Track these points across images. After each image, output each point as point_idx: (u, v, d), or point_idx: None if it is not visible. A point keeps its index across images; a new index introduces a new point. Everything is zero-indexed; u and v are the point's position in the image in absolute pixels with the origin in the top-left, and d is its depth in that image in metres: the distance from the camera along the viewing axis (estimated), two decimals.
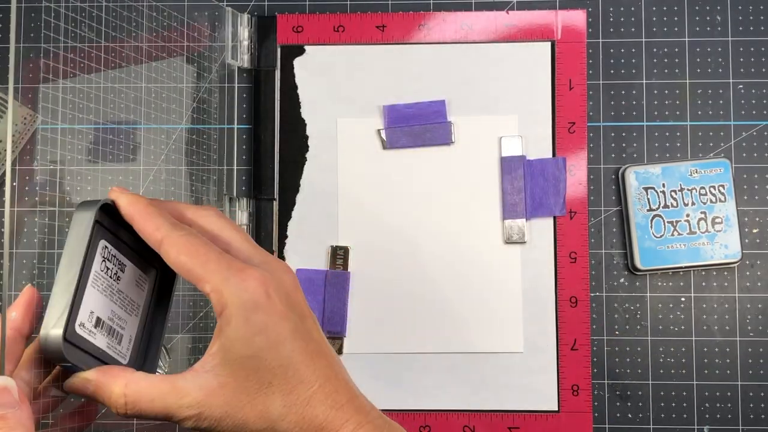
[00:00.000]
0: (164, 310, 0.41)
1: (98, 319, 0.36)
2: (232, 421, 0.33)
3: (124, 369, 0.35)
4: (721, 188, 0.54)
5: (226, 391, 0.33)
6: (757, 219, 0.55)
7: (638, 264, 0.54)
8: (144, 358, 0.40)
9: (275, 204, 0.56)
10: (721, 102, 0.56)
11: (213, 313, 0.54)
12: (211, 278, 0.34)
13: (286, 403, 0.33)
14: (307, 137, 0.56)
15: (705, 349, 0.54)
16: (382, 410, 0.41)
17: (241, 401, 0.33)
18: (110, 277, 0.37)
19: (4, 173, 0.55)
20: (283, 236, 0.55)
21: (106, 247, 0.37)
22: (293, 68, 0.56)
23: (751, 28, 0.56)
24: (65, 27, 0.50)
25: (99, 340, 0.36)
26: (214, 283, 0.33)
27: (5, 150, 0.55)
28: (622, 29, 0.56)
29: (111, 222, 0.37)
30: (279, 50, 0.56)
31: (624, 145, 0.56)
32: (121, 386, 0.34)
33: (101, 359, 0.36)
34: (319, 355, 0.35)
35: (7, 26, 0.57)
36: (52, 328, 0.33)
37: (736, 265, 0.54)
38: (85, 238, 0.35)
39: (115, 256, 0.37)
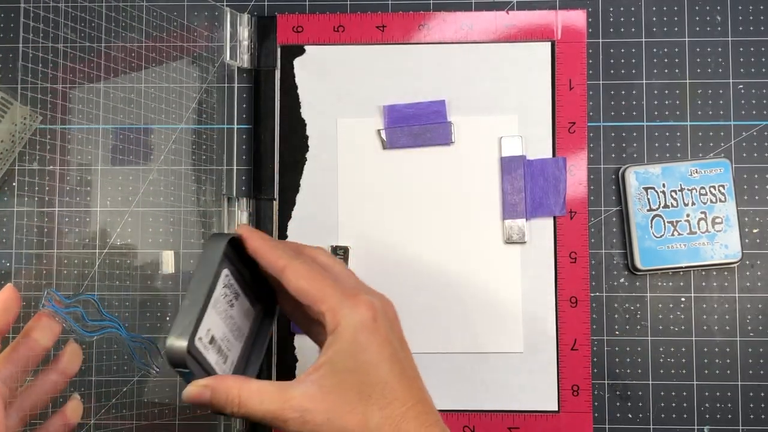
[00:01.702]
0: (262, 342, 0.45)
1: (213, 337, 0.40)
2: (334, 426, 0.37)
3: (235, 376, 0.40)
4: (721, 188, 0.54)
5: (330, 398, 0.37)
6: (757, 219, 0.55)
7: (638, 264, 0.54)
8: None
9: (275, 204, 0.56)
10: (721, 102, 0.56)
11: None
12: (327, 300, 0.38)
13: (383, 415, 0.37)
14: (307, 137, 0.56)
15: (705, 349, 0.54)
16: None
17: (343, 409, 0.37)
18: (227, 303, 0.41)
19: (6, 173, 0.55)
20: (283, 236, 0.55)
21: (227, 275, 0.41)
22: (293, 68, 0.56)
23: (751, 28, 0.56)
24: (65, 28, 0.50)
25: (210, 356, 0.40)
26: (330, 305, 0.38)
27: (6, 150, 0.55)
28: (622, 29, 0.56)
29: (234, 255, 0.41)
30: (279, 50, 0.56)
31: (624, 145, 0.56)
32: (237, 388, 0.38)
33: (208, 372, 0.40)
34: (413, 379, 0.39)
35: (8, 27, 0.57)
36: (178, 338, 0.38)
37: (736, 265, 0.54)
38: (214, 265, 0.40)
39: (233, 285, 0.42)
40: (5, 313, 0.36)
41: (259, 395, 0.37)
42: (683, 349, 0.54)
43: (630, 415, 0.54)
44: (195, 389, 0.38)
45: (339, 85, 0.56)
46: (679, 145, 0.56)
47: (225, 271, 0.41)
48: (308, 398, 0.37)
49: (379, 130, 0.56)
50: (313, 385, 0.37)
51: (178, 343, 0.38)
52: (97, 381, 0.52)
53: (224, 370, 0.42)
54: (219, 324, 0.41)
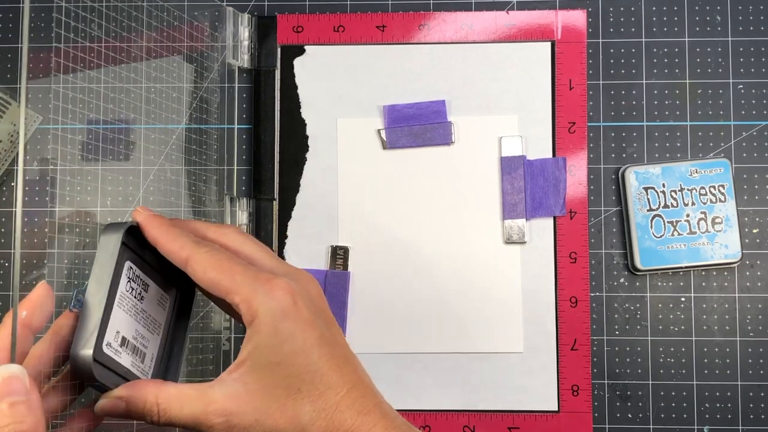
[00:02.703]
0: (183, 328, 0.42)
1: (123, 339, 0.37)
2: (263, 428, 0.34)
3: (151, 381, 0.36)
4: (721, 188, 0.54)
5: (256, 397, 0.34)
6: (757, 219, 0.55)
7: (638, 264, 0.54)
8: (164, 376, 0.41)
9: (275, 204, 0.56)
10: (721, 102, 0.56)
11: (213, 312, 0.54)
12: (239, 290, 0.34)
13: (315, 408, 0.34)
14: (307, 137, 0.56)
15: (705, 349, 0.54)
16: None
17: (271, 407, 0.34)
18: (135, 297, 0.38)
19: (4, 173, 0.55)
20: (283, 236, 0.55)
21: (131, 267, 0.37)
22: (293, 68, 0.56)
23: (751, 28, 0.56)
24: (64, 27, 0.50)
25: (124, 359, 0.37)
26: (244, 294, 0.34)
27: (5, 150, 0.55)
28: (622, 29, 0.56)
29: (135, 243, 0.38)
30: (279, 50, 0.56)
31: (624, 145, 0.56)
32: (153, 396, 0.35)
33: (126, 377, 0.37)
34: (345, 362, 0.35)
35: (6, 27, 0.57)
36: (82, 348, 0.34)
37: (736, 265, 0.54)
38: (112, 260, 0.36)
39: (139, 277, 0.38)
40: (40, 310, 0.35)
41: (178, 400, 0.34)
42: (683, 349, 0.54)
43: (630, 415, 0.54)
44: (108, 402, 0.35)
45: (339, 85, 0.56)
46: (679, 145, 0.56)
47: (127, 264, 0.37)
48: (232, 400, 0.34)
49: (379, 130, 0.56)
50: (235, 384, 0.34)
51: (82, 353, 0.34)
52: None
53: (143, 370, 0.38)
54: (129, 322, 0.37)
